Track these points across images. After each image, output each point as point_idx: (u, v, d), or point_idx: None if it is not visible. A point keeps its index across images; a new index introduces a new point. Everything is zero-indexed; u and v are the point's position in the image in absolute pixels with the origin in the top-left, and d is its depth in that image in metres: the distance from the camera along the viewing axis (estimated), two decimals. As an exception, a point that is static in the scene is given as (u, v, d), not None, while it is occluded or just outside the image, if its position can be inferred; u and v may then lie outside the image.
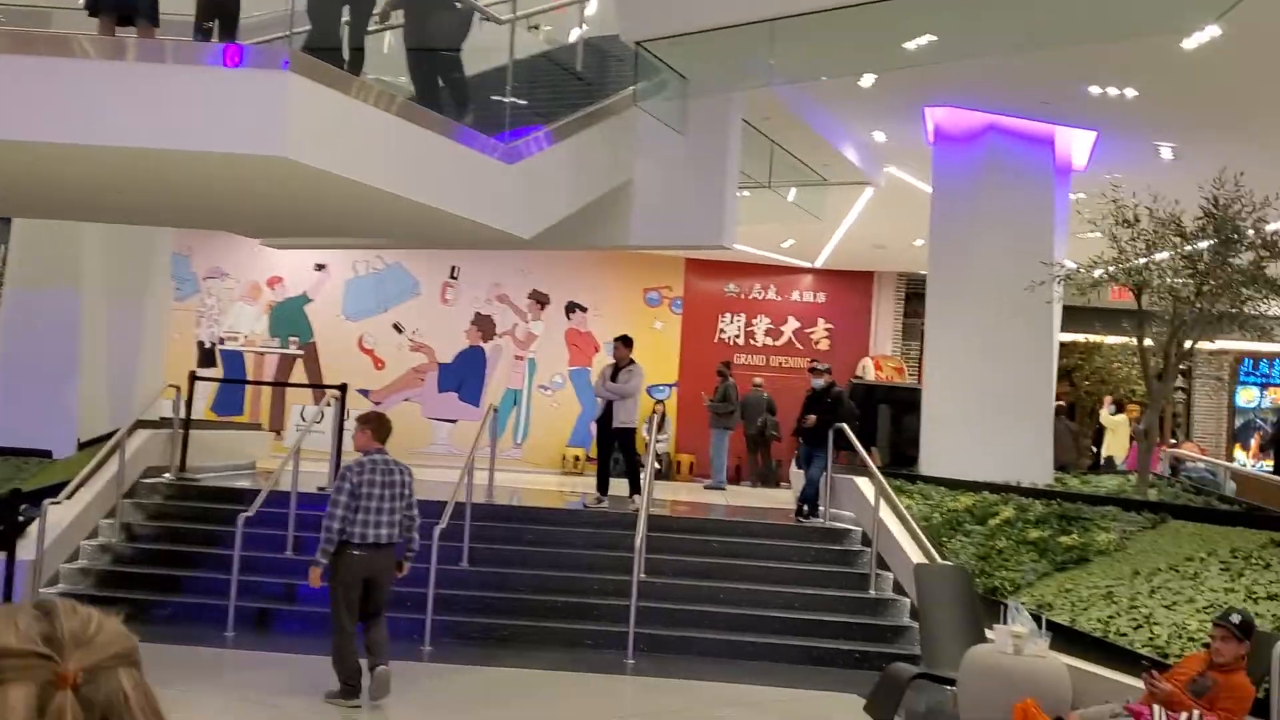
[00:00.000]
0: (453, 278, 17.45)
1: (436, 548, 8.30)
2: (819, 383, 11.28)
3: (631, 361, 11.26)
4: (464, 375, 17.33)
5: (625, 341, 11.45)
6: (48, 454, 10.25)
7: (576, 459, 16.94)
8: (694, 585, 9.21)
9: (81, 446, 10.37)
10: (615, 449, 11.40)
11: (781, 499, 13.19)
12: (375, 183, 7.03)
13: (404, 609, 8.44)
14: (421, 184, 7.47)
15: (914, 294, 17.27)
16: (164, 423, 10.87)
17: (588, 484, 12.61)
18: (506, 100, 8.96)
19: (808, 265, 17.86)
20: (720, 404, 15.47)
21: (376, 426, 6.87)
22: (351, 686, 6.61)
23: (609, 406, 11.13)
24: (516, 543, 9.74)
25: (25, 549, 8.68)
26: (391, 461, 6.81)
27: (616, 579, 8.79)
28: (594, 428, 12.39)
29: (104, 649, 0.94)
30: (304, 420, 13.92)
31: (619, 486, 11.41)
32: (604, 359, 15.00)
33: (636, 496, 10.75)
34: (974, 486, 10.12)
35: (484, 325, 17.50)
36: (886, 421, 13.33)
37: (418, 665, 7.79)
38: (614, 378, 11.15)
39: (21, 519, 8.86)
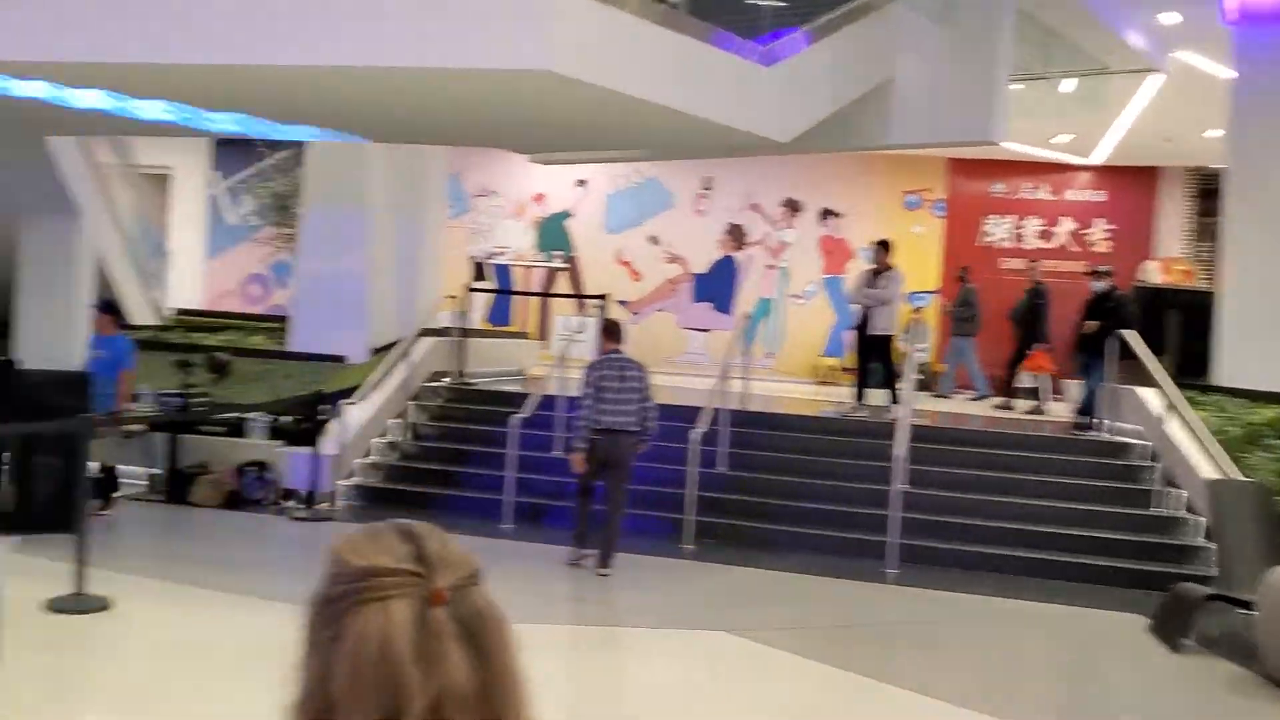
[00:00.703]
0: (705, 189, 17.47)
1: (697, 452, 8.49)
2: (1099, 286, 10.56)
3: (890, 267, 10.92)
4: (717, 285, 17.43)
5: (884, 246, 11.09)
6: (341, 359, 11.19)
7: (830, 369, 16.74)
8: (958, 498, 8.96)
9: (372, 354, 11.26)
10: (873, 358, 11.17)
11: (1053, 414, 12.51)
12: (638, 93, 7.07)
13: (665, 508, 8.73)
14: (682, 91, 7.44)
15: (1206, 190, 15.69)
16: (443, 331, 11.62)
17: (841, 394, 12.44)
18: (765, 2, 8.75)
19: (1082, 162, 16.58)
20: (961, 309, 14.76)
21: (607, 331, 7.99)
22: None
23: (866, 314, 10.88)
24: (773, 449, 9.79)
25: (326, 445, 9.60)
26: (625, 359, 7.68)
27: (875, 488, 8.67)
28: (849, 336, 12.14)
29: (462, 568, 0.99)
30: (567, 329, 14.48)
31: (876, 398, 11.19)
32: (859, 266, 14.63)
33: (895, 406, 10.52)
34: (1278, 399, 9.20)
35: (736, 235, 17.47)
36: (1175, 328, 12.32)
37: (679, 562, 8.09)
38: (872, 284, 10.87)
39: (323, 418, 9.80)
